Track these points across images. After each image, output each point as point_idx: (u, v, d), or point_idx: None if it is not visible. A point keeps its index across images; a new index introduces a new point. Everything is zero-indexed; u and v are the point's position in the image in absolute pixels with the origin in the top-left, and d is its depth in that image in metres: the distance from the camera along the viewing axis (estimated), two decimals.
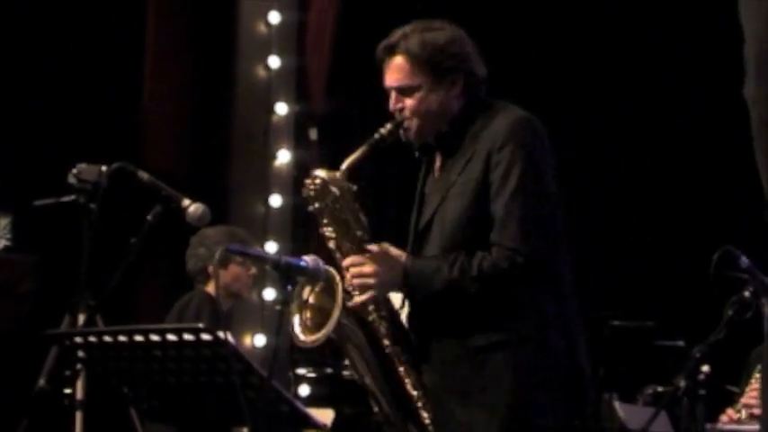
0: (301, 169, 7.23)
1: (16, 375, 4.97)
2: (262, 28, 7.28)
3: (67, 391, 4.13)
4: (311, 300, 3.45)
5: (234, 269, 5.49)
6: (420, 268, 3.36)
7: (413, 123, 3.45)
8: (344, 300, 3.37)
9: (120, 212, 4.64)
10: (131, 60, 7.09)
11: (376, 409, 3.50)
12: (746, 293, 3.91)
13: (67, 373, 4.08)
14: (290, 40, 7.29)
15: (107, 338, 3.40)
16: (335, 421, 5.14)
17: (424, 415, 3.41)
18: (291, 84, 7.28)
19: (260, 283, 6.46)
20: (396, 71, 3.45)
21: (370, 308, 3.43)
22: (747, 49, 2.41)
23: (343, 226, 3.46)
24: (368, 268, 3.37)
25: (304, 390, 6.03)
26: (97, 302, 4.18)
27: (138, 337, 3.33)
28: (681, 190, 7.04)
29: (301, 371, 6.12)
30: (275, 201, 7.17)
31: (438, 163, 3.54)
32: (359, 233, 3.45)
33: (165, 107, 7.16)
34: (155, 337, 3.30)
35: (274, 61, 7.26)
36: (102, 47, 6.89)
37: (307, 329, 3.43)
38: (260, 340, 6.90)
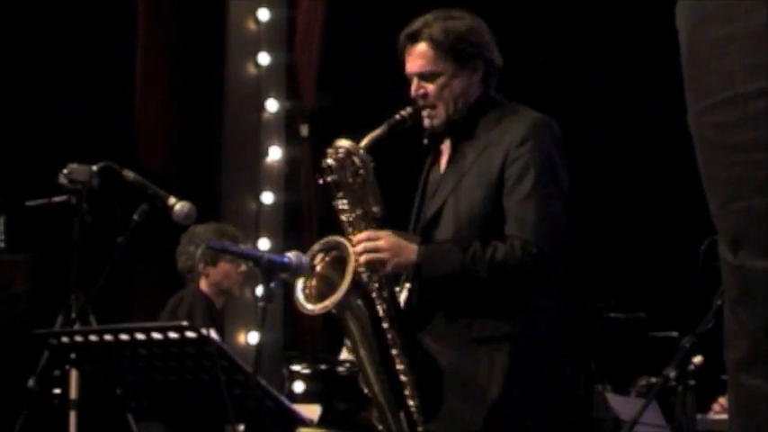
0: (292, 166, 7.24)
1: (12, 376, 4.96)
2: (251, 25, 7.26)
3: (57, 391, 4.12)
4: (318, 268, 3.42)
5: (224, 266, 5.47)
6: (433, 250, 3.37)
7: (438, 108, 3.49)
8: (355, 273, 3.34)
9: (113, 212, 4.64)
10: (122, 59, 7.07)
11: (366, 391, 3.46)
12: None
13: (57, 372, 4.08)
14: (280, 37, 7.28)
15: (93, 338, 3.39)
16: (326, 417, 5.12)
17: (411, 403, 3.40)
18: (281, 80, 7.27)
19: (253, 280, 6.44)
20: (419, 57, 3.50)
21: (375, 286, 3.42)
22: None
23: (359, 199, 3.44)
24: (382, 243, 3.37)
25: (299, 386, 6.02)
26: (86, 302, 4.17)
27: (124, 336, 3.32)
28: (673, 180, 7.03)
29: (296, 367, 6.11)
30: (267, 198, 7.17)
31: (447, 154, 3.55)
32: (374, 209, 3.45)
33: (156, 106, 7.14)
34: (140, 336, 3.29)
35: (264, 58, 7.26)
36: (92, 46, 6.87)
37: (311, 298, 3.40)
38: (254, 337, 6.88)
